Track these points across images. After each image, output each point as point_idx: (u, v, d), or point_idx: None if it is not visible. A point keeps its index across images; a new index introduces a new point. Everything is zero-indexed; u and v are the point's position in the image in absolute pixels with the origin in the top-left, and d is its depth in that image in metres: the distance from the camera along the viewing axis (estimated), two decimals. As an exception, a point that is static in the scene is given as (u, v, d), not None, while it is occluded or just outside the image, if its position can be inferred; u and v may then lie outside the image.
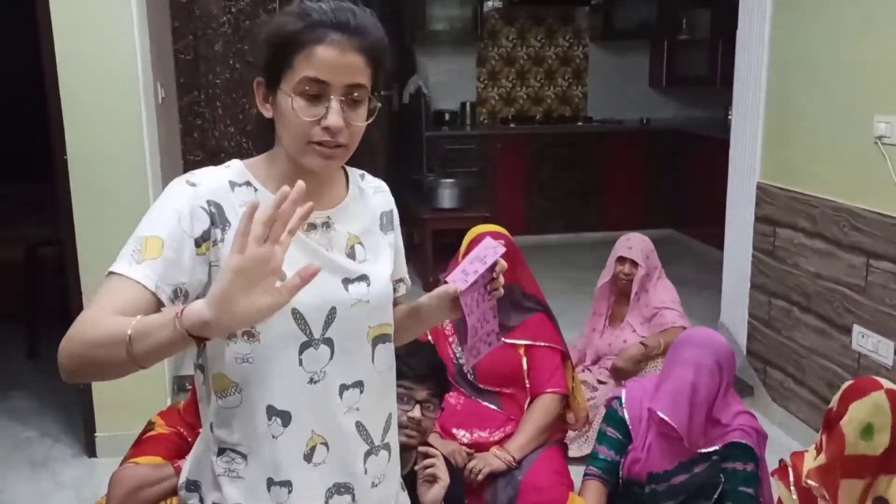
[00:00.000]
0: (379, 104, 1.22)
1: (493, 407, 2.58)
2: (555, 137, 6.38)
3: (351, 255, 1.26)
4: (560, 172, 6.37)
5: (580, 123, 6.64)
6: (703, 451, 2.33)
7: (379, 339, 1.28)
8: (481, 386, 2.59)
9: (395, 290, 1.36)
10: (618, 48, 6.76)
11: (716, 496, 2.32)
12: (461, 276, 1.30)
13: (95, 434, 3.28)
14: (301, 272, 0.97)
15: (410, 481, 2.08)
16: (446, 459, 2.21)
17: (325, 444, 1.22)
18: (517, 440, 2.47)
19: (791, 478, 2.10)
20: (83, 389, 3.24)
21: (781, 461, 2.16)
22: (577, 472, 2.54)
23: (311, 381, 1.20)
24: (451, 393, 2.53)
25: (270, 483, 1.21)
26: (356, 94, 1.17)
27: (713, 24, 6.36)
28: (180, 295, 1.11)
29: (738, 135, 3.73)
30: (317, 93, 1.15)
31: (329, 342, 1.20)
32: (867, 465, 1.95)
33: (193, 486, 1.27)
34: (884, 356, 2.87)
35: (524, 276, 2.71)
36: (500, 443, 2.49)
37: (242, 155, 3.60)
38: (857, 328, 3.00)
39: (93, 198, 3.11)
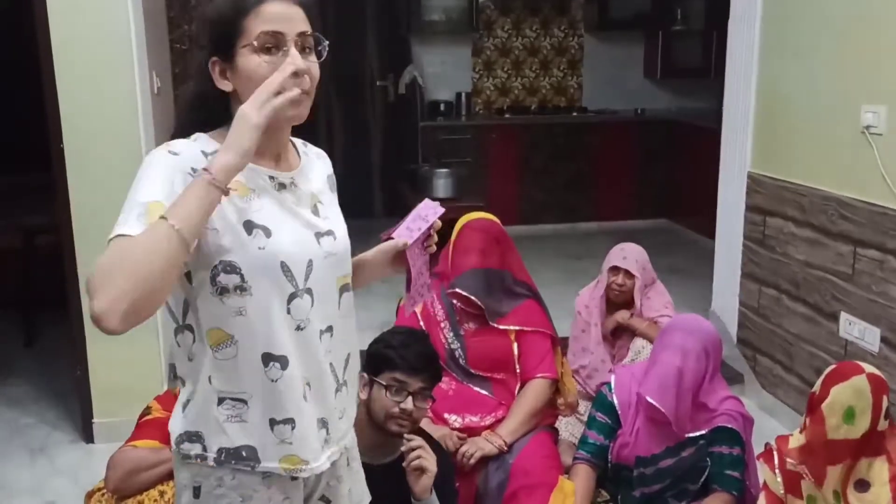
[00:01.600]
0: (327, 42, 1.32)
1: (484, 392, 2.62)
2: (550, 128, 6.40)
3: (315, 212, 1.39)
4: (554, 163, 6.40)
5: (575, 114, 6.66)
6: (691, 435, 2.37)
7: (343, 288, 1.42)
8: (473, 371, 2.62)
9: None
10: (613, 38, 6.77)
11: (702, 480, 2.36)
12: (406, 232, 1.48)
13: (93, 420, 3.31)
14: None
15: (400, 468, 2.11)
16: (437, 444, 2.24)
17: (309, 383, 1.35)
18: (508, 424, 2.50)
19: (776, 461, 2.14)
20: (80, 376, 3.27)
21: (767, 445, 2.20)
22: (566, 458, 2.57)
23: (298, 328, 1.32)
24: (442, 378, 2.57)
25: (273, 423, 1.32)
26: (307, 42, 1.30)
27: (708, 14, 6.39)
28: (224, 267, 1.26)
29: (730, 124, 3.76)
30: (274, 44, 1.27)
31: (310, 292, 1.33)
32: (848, 448, 1.99)
33: (195, 436, 1.33)
34: (870, 343, 2.92)
35: (515, 262, 2.75)
36: (491, 427, 2.53)
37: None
38: (844, 315, 3.05)
39: (89, 186, 3.13)
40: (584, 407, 3.01)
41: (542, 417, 2.61)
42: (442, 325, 2.63)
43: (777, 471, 2.13)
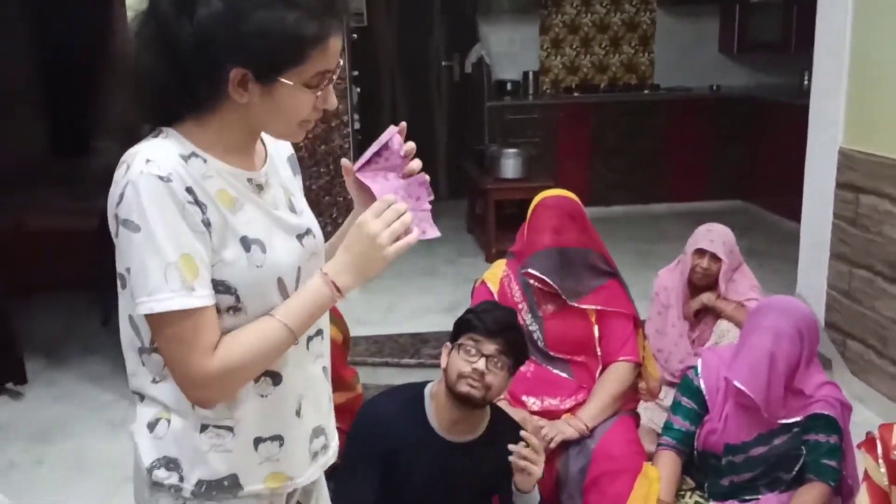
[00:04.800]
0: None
1: (563, 375, 2.54)
2: (620, 106, 6.24)
3: (291, 208, 1.29)
4: (625, 142, 6.23)
5: (647, 91, 6.47)
6: (784, 421, 2.25)
7: None
8: (552, 353, 2.54)
9: None
10: (686, 13, 6.55)
11: (797, 468, 2.25)
12: (361, 161, 1.31)
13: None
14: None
15: (484, 442, 2.06)
16: (516, 425, 2.18)
17: (303, 398, 1.29)
18: (589, 408, 2.42)
19: (880, 451, 2.01)
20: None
21: (869, 433, 2.07)
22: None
23: None
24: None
25: (258, 441, 1.24)
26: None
27: (788, -15, 6.12)
28: (217, 286, 1.16)
29: (819, 99, 3.58)
30: (322, 81, 1.17)
31: None
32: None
33: (172, 464, 1.22)
34: (976, 328, 2.74)
35: (595, 242, 2.65)
36: (571, 411, 2.45)
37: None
38: (946, 298, 2.87)
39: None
40: (664, 393, 2.92)
41: (625, 402, 2.52)
42: (520, 306, 2.56)
43: (881, 461, 2.00)
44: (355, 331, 3.82)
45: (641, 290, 3.80)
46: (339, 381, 2.29)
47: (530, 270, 2.53)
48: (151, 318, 1.12)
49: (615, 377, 2.50)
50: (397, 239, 1.19)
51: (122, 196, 1.09)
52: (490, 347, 2.02)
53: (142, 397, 1.24)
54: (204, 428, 1.21)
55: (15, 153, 5.17)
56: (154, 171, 1.09)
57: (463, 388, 2.00)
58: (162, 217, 1.09)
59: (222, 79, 1.12)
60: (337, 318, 2.38)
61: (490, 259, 4.92)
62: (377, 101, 6.48)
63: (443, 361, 2.09)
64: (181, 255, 1.10)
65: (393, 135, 1.29)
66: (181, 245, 1.10)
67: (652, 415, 2.94)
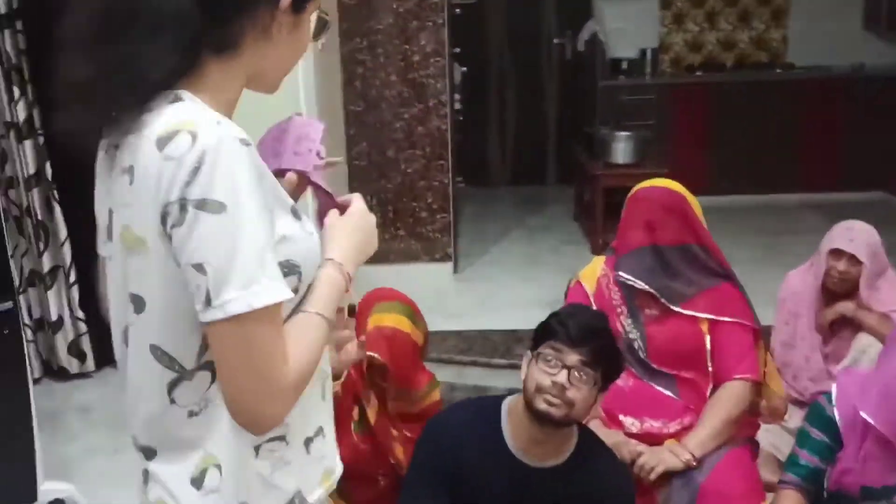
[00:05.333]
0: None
1: (668, 393, 2.21)
2: (748, 86, 5.73)
3: None
4: (751, 126, 5.71)
5: (779, 70, 5.92)
6: (939, 466, 1.86)
7: None
8: (654, 366, 2.23)
9: None
10: (827, -17, 5.94)
11: (955, 524, 1.86)
12: (298, 159, 1.18)
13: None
14: None
15: (569, 468, 1.80)
16: (610, 453, 1.91)
17: (325, 376, 1.15)
18: (698, 435, 2.09)
19: None
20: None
21: None
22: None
23: None
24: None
25: (308, 442, 1.10)
26: None
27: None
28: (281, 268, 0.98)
29: None
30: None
31: None
32: None
33: None
34: None
35: (705, 236, 2.30)
36: (675, 436, 2.13)
37: (405, 105, 3.35)
38: None
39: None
40: (790, 412, 2.55)
41: (740, 428, 2.18)
42: (618, 310, 2.25)
43: None
44: (445, 325, 3.63)
45: (765, 291, 3.38)
46: (410, 389, 2.06)
47: (620, 273, 2.22)
48: (231, 323, 0.90)
49: (730, 398, 2.16)
50: None
51: (196, 171, 0.88)
52: (573, 358, 1.74)
53: (164, 450, 1.03)
54: (258, 450, 1.02)
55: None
56: (235, 134, 0.91)
57: (541, 404, 1.74)
58: (250, 189, 0.91)
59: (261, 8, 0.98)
60: (418, 318, 2.15)
61: (596, 250, 4.60)
62: (484, 80, 6.23)
63: (522, 372, 1.83)
64: (269, 235, 0.94)
65: (320, 131, 1.21)
66: (267, 222, 0.94)
67: (774, 439, 2.59)
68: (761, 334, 2.30)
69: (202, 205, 0.88)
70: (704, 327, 2.22)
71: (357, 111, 3.98)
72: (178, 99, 0.94)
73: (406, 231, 4.11)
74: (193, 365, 0.98)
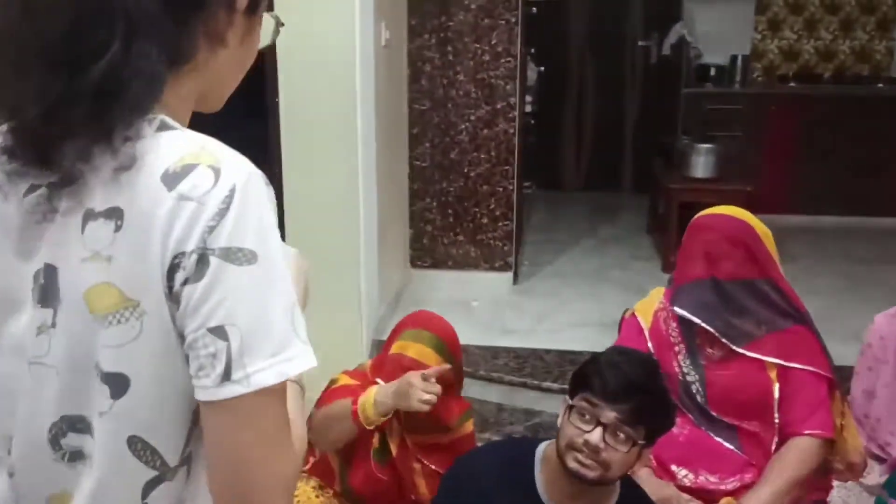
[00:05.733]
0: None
1: (728, 445, 2.00)
2: (846, 100, 5.33)
3: None
4: (847, 142, 5.31)
5: (881, 85, 5.49)
6: None
7: None
8: (714, 414, 2.02)
9: None
10: (942, -8, 5.49)
11: None
12: None
13: (289, 392, 3.17)
14: None
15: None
16: None
17: None
18: (758, 495, 1.88)
19: None
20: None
21: None
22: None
23: None
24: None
25: None
26: None
27: None
28: None
29: None
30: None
31: None
32: None
33: None
34: None
35: (775, 273, 2.06)
36: (733, 494, 1.93)
37: (472, 106, 3.16)
38: None
39: (299, 141, 2.94)
40: (870, 469, 2.29)
41: (809, 490, 1.95)
42: (676, 348, 2.04)
43: None
44: (498, 340, 3.45)
45: (846, 327, 3.09)
46: (435, 423, 1.90)
47: (675, 308, 2.01)
48: (251, 400, 0.74)
49: (797, 456, 1.94)
50: None
51: (222, 214, 0.73)
52: (609, 415, 1.56)
53: None
54: None
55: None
56: (258, 171, 0.78)
57: (572, 463, 1.56)
58: (276, 234, 0.77)
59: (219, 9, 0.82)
60: (450, 349, 1.95)
61: (667, 268, 4.34)
62: (562, 81, 6.01)
63: (560, 418, 1.66)
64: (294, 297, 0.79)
65: None
66: (290, 280, 0.79)
67: (849, 496, 2.32)
68: (837, 385, 2.06)
69: (229, 255, 0.73)
70: (773, 374, 2.00)
71: (422, 110, 3.84)
72: (166, 126, 0.78)
73: (465, 237, 3.95)
74: (177, 461, 0.81)
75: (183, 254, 0.73)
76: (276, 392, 0.75)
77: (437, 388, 1.72)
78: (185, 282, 0.73)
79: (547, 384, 3.02)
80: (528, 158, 4.42)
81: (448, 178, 3.89)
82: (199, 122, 0.86)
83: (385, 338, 3.31)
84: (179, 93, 0.82)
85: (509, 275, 4.01)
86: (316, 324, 3.32)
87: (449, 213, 3.93)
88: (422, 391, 1.70)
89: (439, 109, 3.83)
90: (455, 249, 3.97)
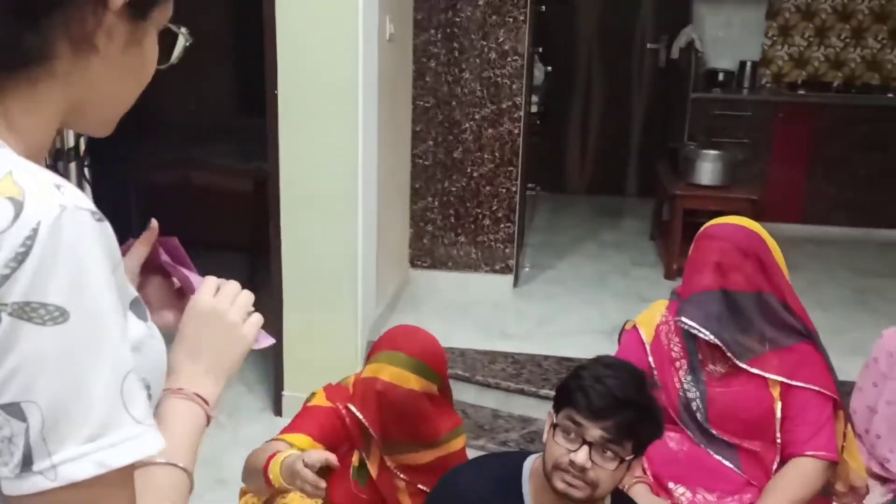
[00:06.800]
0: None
1: (727, 463, 1.94)
2: (855, 109, 5.26)
3: None
4: (856, 153, 5.24)
5: (891, 95, 5.42)
6: None
7: None
8: (714, 432, 1.96)
9: None
10: (957, 2, 5.41)
11: None
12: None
13: (283, 392, 3.12)
14: None
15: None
16: None
17: None
18: (757, 517, 1.83)
19: None
20: (274, 345, 3.08)
21: None
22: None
23: None
24: (671, 434, 1.95)
25: None
26: None
27: None
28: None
29: None
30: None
31: None
32: None
33: None
34: None
35: (785, 288, 2.00)
36: (731, 514, 1.87)
37: (477, 105, 3.09)
38: None
39: (300, 136, 2.89)
40: (872, 489, 2.23)
41: (808, 513, 1.89)
42: (677, 363, 1.99)
43: None
44: (496, 344, 3.39)
45: (851, 340, 3.04)
46: (416, 442, 1.83)
47: (683, 319, 1.95)
48: (64, 494, 0.60)
49: (799, 477, 1.89)
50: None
51: (19, 259, 0.59)
52: (595, 433, 1.49)
53: None
54: None
55: (203, 108, 5.17)
56: (83, 204, 0.63)
57: (559, 484, 1.50)
58: (104, 285, 0.63)
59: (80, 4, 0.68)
60: (433, 368, 1.82)
61: (669, 275, 4.29)
62: (569, 81, 5.94)
63: (545, 433, 1.60)
64: (128, 351, 0.66)
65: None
66: (124, 331, 0.66)
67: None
68: (841, 405, 2.00)
69: (26, 311, 0.59)
70: (776, 392, 1.94)
71: (426, 107, 3.78)
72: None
73: (466, 238, 3.89)
74: None
75: None
76: (108, 486, 0.61)
77: (322, 484, 1.49)
78: None
79: (544, 391, 2.96)
80: (533, 160, 4.36)
81: (450, 177, 3.83)
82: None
83: (375, 338, 3.28)
84: (30, 104, 0.69)
85: (510, 277, 3.95)
86: (311, 322, 3.30)
87: (450, 213, 3.87)
88: (309, 483, 1.48)
89: (443, 107, 3.77)
90: (455, 250, 3.91)
